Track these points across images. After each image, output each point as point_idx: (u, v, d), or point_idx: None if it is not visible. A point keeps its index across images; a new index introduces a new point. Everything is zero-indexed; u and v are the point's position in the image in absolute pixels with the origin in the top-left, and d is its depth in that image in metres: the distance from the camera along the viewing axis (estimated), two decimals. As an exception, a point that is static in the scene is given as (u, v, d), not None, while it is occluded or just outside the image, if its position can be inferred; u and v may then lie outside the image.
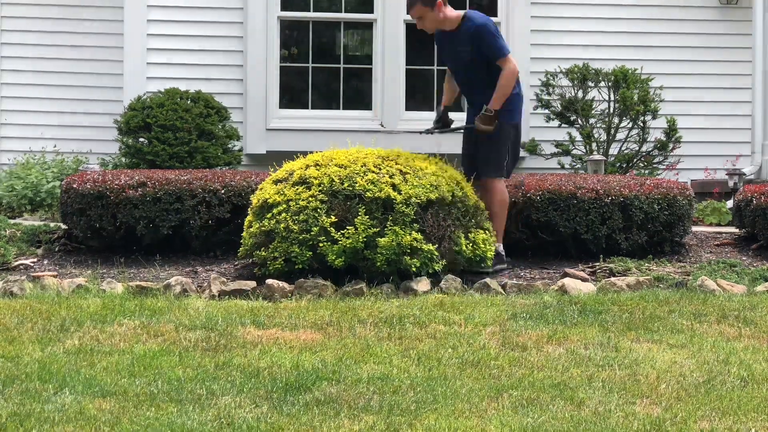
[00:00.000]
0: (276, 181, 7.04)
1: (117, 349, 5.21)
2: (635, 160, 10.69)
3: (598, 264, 7.46)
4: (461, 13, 7.62)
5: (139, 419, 4.22)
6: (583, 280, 7.01)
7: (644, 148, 10.72)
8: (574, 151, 10.71)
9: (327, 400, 4.48)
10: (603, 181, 7.99)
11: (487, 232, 7.08)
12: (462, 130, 7.78)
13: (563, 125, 10.81)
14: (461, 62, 7.64)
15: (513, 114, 7.56)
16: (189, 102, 10.23)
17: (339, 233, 6.59)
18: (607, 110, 10.74)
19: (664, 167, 10.83)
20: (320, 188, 6.77)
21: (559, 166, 10.70)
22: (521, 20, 11.23)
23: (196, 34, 11.04)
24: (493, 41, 7.44)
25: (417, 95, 11.44)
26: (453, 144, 10.93)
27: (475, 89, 7.65)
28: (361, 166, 6.87)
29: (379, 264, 6.57)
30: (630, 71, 10.66)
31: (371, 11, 11.13)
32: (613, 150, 10.73)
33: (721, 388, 4.73)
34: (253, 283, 6.62)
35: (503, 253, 7.37)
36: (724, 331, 5.73)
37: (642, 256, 7.68)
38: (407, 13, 7.85)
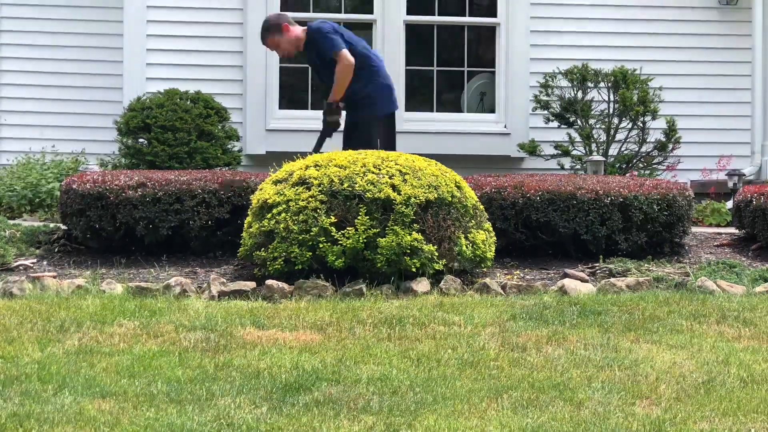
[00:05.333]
0: (276, 182, 7.04)
1: (117, 349, 5.21)
2: (635, 160, 10.69)
3: (597, 265, 7.46)
4: (304, 27, 8.37)
5: (139, 420, 4.23)
6: (583, 280, 7.01)
7: (644, 149, 10.73)
8: (574, 152, 10.71)
9: (327, 400, 4.49)
10: (602, 181, 8.00)
11: (486, 232, 7.09)
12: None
13: (562, 126, 10.82)
14: (317, 69, 8.44)
15: (372, 108, 8.25)
16: (189, 102, 10.24)
17: (339, 233, 6.59)
18: (606, 111, 10.75)
19: (664, 168, 10.83)
20: (320, 189, 6.77)
21: (558, 167, 10.71)
22: (521, 21, 11.24)
23: (195, 35, 11.05)
24: (324, 41, 8.13)
25: (417, 96, 11.45)
26: (453, 145, 10.96)
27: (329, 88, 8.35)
28: (361, 167, 6.88)
29: (379, 265, 6.57)
30: (629, 72, 10.66)
31: (371, 12, 11.13)
32: (613, 151, 10.74)
33: (720, 388, 4.74)
34: (252, 284, 6.62)
35: None
36: (723, 331, 5.73)
37: (641, 256, 7.68)
38: (264, 44, 8.49)
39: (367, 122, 8.28)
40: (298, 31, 8.38)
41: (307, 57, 8.53)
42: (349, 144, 8.09)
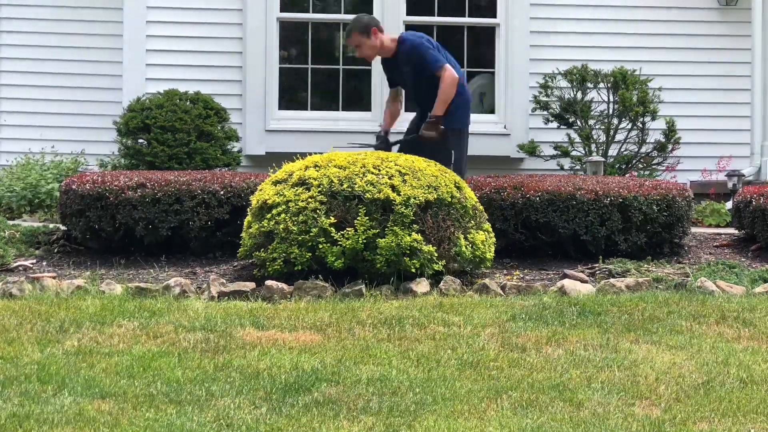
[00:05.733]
0: (275, 182, 7.04)
1: (116, 350, 5.21)
2: (634, 161, 10.69)
3: (597, 265, 7.46)
4: (395, 37, 8.29)
5: (139, 420, 4.23)
6: (583, 281, 7.01)
7: (643, 150, 10.72)
8: (573, 153, 10.71)
9: (326, 401, 4.49)
10: (602, 182, 8.00)
11: (486, 233, 7.09)
12: (407, 142, 8.28)
13: (562, 127, 10.81)
14: (409, 81, 8.28)
15: (455, 119, 8.09)
16: (188, 103, 10.23)
17: (339, 234, 6.59)
18: (606, 111, 10.74)
19: (664, 168, 10.83)
20: (319, 189, 6.77)
21: (558, 168, 10.70)
22: (521, 22, 11.23)
23: (195, 35, 11.04)
24: (428, 55, 8.05)
25: (416, 96, 11.42)
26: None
27: (423, 102, 8.22)
28: (361, 168, 6.88)
29: (378, 265, 6.57)
30: (629, 72, 10.66)
31: (371, 12, 11.11)
32: (612, 151, 10.73)
33: (720, 389, 4.74)
34: (252, 285, 6.62)
35: None
36: (723, 332, 5.73)
37: (641, 257, 7.68)
38: (346, 41, 8.46)
39: (458, 133, 8.16)
40: (385, 39, 8.22)
41: (391, 65, 8.36)
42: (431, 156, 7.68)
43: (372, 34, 8.16)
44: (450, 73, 7.98)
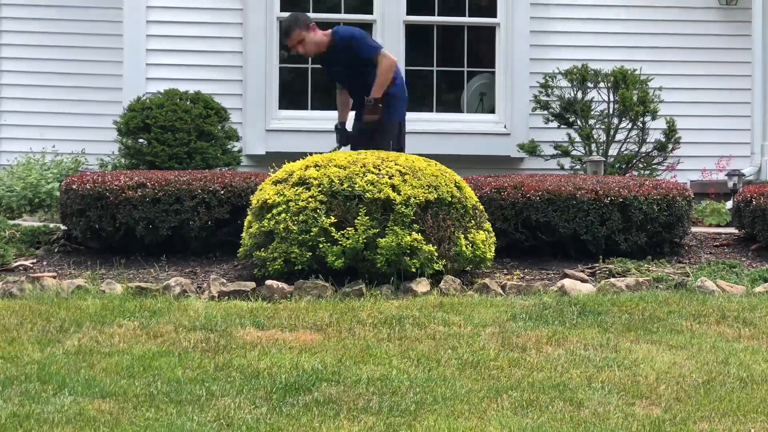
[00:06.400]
0: (275, 182, 7.04)
1: (116, 350, 5.21)
2: (634, 160, 10.69)
3: (597, 265, 7.46)
4: (327, 32, 8.43)
5: (139, 420, 4.23)
6: (583, 281, 7.01)
7: (643, 149, 10.72)
8: (574, 152, 10.71)
9: (326, 401, 4.49)
10: (602, 182, 7.99)
11: (486, 233, 7.09)
12: (360, 132, 8.46)
13: (562, 126, 10.81)
14: (344, 74, 8.44)
15: (393, 114, 8.32)
16: (188, 103, 10.23)
17: (339, 234, 6.59)
18: (606, 111, 10.74)
19: (664, 168, 10.83)
20: (320, 189, 6.77)
21: (558, 167, 10.70)
22: (521, 21, 11.24)
23: (195, 35, 11.05)
24: (363, 44, 8.29)
25: (417, 96, 11.44)
26: (453, 145, 10.96)
27: (360, 93, 8.39)
28: (361, 167, 6.88)
29: (379, 265, 6.57)
30: (629, 72, 10.66)
31: (371, 12, 11.13)
32: (613, 151, 10.73)
33: (720, 388, 4.74)
34: (252, 284, 6.62)
35: None
36: (723, 331, 5.73)
37: (641, 256, 7.68)
38: (285, 41, 8.56)
39: (388, 126, 8.34)
40: (320, 34, 8.38)
41: (327, 60, 8.50)
42: (369, 144, 8.00)
43: (311, 29, 8.32)
44: (388, 58, 8.21)
